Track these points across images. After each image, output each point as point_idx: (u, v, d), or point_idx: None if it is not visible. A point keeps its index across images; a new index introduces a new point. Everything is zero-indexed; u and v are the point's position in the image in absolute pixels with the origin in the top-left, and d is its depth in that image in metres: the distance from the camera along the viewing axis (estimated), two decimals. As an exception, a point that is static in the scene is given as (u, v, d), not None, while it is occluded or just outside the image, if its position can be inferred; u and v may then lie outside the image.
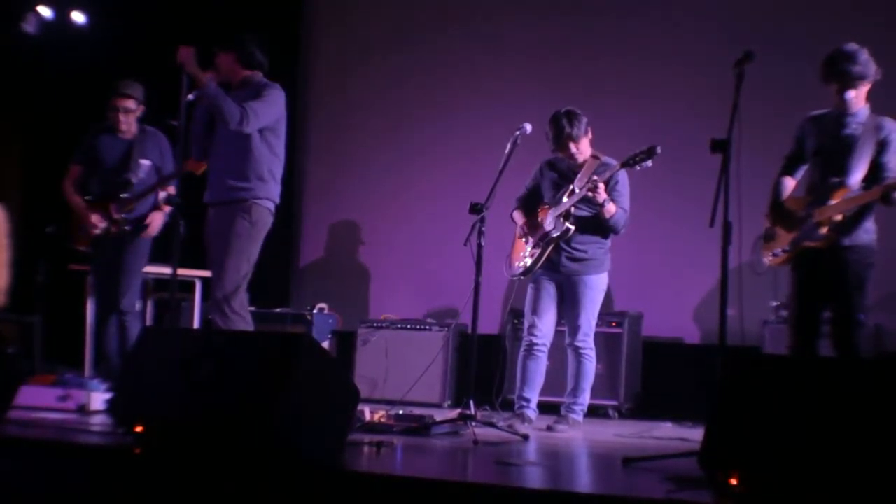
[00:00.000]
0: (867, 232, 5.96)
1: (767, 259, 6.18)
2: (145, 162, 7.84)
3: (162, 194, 7.67)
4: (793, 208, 6.09)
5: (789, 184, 6.28)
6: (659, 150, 6.79)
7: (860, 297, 5.93)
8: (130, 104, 7.90)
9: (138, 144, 7.89)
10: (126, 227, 7.76)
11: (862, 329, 5.95)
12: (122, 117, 7.90)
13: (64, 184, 8.03)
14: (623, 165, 6.92)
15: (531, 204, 7.40)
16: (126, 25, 9.86)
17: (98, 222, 7.80)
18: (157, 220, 7.81)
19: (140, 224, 7.80)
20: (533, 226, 7.29)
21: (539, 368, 7.20)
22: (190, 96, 6.78)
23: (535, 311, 7.21)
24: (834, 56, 5.91)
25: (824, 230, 5.87)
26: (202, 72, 6.75)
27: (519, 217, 7.42)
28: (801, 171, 6.30)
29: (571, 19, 9.66)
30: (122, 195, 7.76)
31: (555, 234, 7.10)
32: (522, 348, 7.25)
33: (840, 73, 5.89)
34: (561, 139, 7.10)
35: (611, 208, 7.00)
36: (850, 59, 5.86)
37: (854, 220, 5.90)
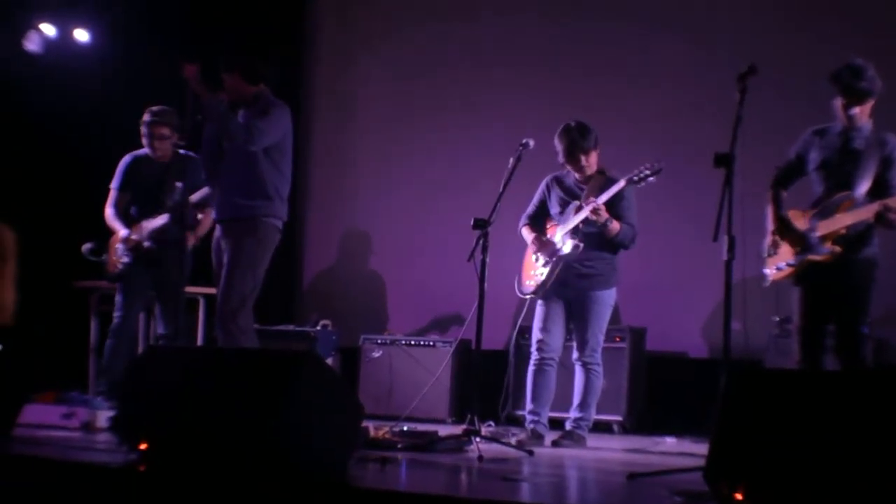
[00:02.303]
0: (870, 246, 5.96)
1: (771, 273, 6.18)
2: (179, 185, 7.84)
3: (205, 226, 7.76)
4: (795, 222, 6.09)
5: (784, 197, 6.28)
6: (663, 166, 6.79)
7: (864, 310, 5.93)
8: (165, 131, 7.98)
9: (174, 168, 7.91)
10: (152, 247, 7.80)
11: (867, 342, 5.95)
12: (157, 144, 7.98)
13: (105, 208, 8.08)
14: (628, 183, 6.90)
15: (539, 220, 7.39)
16: (129, 44, 9.87)
17: (127, 240, 7.86)
18: (205, 222, 7.84)
19: (178, 245, 7.82)
20: (543, 243, 7.27)
21: (549, 384, 7.18)
22: (199, 116, 6.81)
23: (544, 328, 7.19)
24: (841, 71, 5.90)
25: (829, 244, 5.86)
26: (209, 90, 6.78)
27: (528, 234, 7.38)
28: (793, 184, 6.31)
29: (574, 33, 9.67)
30: (155, 217, 7.83)
31: (564, 253, 7.08)
32: (532, 364, 7.22)
33: (846, 89, 5.88)
34: (574, 151, 7.06)
35: (614, 227, 6.98)
36: (856, 74, 5.85)
37: (862, 235, 5.90)
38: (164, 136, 7.98)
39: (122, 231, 7.95)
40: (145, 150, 8.09)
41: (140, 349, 8.35)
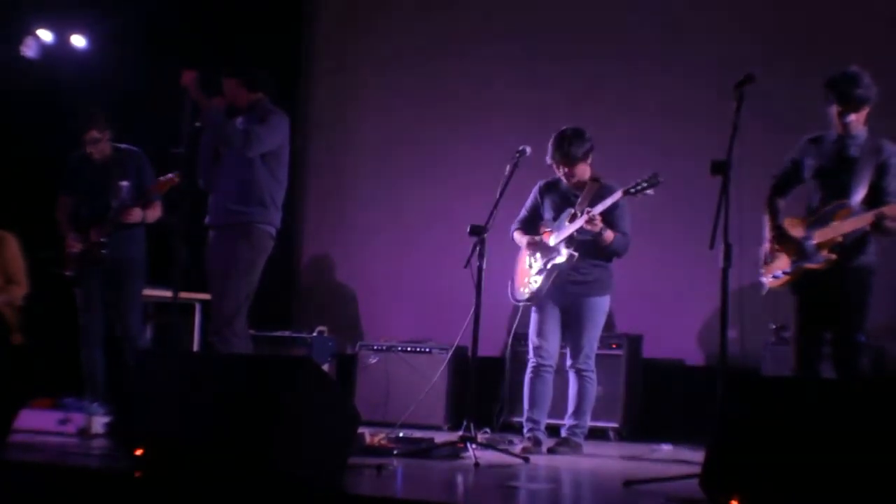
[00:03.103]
0: (867, 254, 5.96)
1: (768, 281, 6.18)
2: (124, 183, 7.81)
3: (150, 217, 7.76)
4: (792, 230, 6.09)
5: (781, 205, 6.28)
6: (661, 178, 6.75)
7: (860, 319, 5.93)
8: (94, 134, 7.91)
9: (115, 166, 7.89)
10: (104, 251, 7.74)
11: (863, 350, 5.95)
12: (90, 148, 7.94)
13: (56, 212, 8.06)
14: (625, 194, 6.82)
15: (531, 225, 7.38)
16: (127, 50, 9.87)
17: (75, 242, 7.81)
18: (135, 214, 7.79)
19: (122, 246, 7.80)
20: (536, 250, 7.27)
21: (546, 390, 7.17)
22: (197, 123, 6.80)
23: (540, 334, 7.18)
24: (837, 78, 5.91)
25: (825, 252, 5.87)
26: (208, 96, 6.78)
27: (522, 238, 7.37)
28: (791, 193, 6.32)
29: (572, 40, 9.68)
30: (102, 219, 7.76)
31: (559, 262, 7.06)
32: (529, 370, 7.21)
33: (842, 96, 5.90)
34: (561, 160, 7.08)
35: (609, 236, 6.96)
36: (853, 81, 5.87)
37: (857, 244, 5.90)
38: (95, 140, 7.92)
39: (71, 235, 7.91)
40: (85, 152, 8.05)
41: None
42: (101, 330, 7.90)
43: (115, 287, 7.83)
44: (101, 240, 7.73)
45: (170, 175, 7.35)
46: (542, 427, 7.18)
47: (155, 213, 7.81)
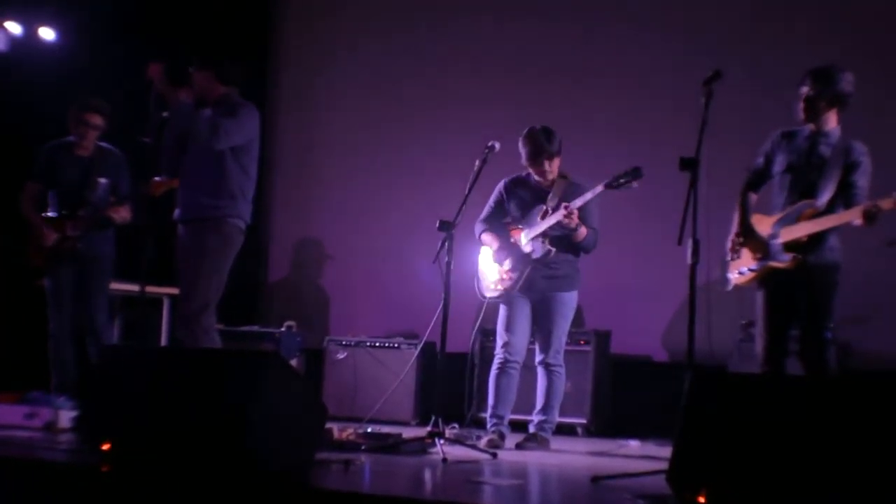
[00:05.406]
0: (832, 250, 5.96)
1: (733, 277, 6.18)
2: (103, 180, 7.78)
3: (118, 217, 7.72)
4: (759, 227, 6.09)
5: (753, 200, 6.29)
6: (644, 173, 6.72)
7: (827, 315, 5.93)
8: (98, 120, 7.86)
9: (97, 163, 7.85)
10: (79, 245, 7.71)
11: (829, 347, 5.96)
12: (90, 132, 7.86)
13: (21, 200, 7.97)
14: (606, 188, 6.82)
15: (496, 223, 7.37)
16: (95, 42, 9.82)
17: (50, 235, 7.74)
18: (122, 212, 7.81)
19: (95, 242, 7.76)
20: (508, 247, 7.26)
21: (512, 386, 7.18)
22: (164, 114, 6.77)
23: (508, 329, 7.18)
24: (816, 71, 5.92)
25: (791, 251, 5.87)
26: (175, 89, 6.74)
27: (491, 240, 7.37)
28: (763, 187, 6.32)
29: (538, 37, 9.69)
30: (79, 213, 7.71)
31: (536, 257, 7.07)
32: (495, 366, 7.22)
33: (819, 88, 5.90)
34: (538, 155, 7.07)
35: (582, 231, 6.98)
36: (831, 75, 5.88)
37: (818, 239, 5.90)
38: (96, 126, 7.88)
39: (46, 228, 7.83)
40: (67, 140, 7.97)
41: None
42: (71, 323, 7.85)
43: (85, 282, 7.80)
44: (77, 234, 7.69)
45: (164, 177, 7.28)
46: (506, 422, 7.18)
47: (125, 213, 7.78)
